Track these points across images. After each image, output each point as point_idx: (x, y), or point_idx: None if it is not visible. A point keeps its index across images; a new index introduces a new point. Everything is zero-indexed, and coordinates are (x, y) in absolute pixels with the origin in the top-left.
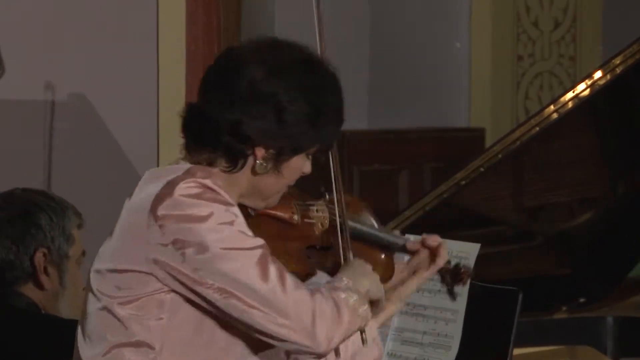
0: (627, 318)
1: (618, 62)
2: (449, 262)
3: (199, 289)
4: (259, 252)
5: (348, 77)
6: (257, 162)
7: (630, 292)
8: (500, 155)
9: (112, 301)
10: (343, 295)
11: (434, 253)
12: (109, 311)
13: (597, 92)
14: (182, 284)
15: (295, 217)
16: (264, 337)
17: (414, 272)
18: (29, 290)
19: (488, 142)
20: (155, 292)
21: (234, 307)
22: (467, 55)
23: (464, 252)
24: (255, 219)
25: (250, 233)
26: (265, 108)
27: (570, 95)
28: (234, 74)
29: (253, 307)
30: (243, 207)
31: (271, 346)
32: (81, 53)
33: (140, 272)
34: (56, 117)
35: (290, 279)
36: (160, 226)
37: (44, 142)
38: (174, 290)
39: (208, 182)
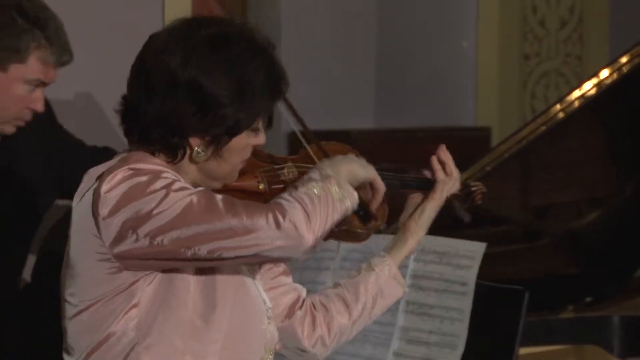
0: (633, 317)
1: (624, 61)
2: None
3: (178, 264)
4: (200, 195)
5: (355, 76)
6: (195, 150)
7: (636, 292)
8: (506, 155)
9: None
10: (303, 190)
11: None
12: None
13: (604, 91)
14: (158, 262)
15: (262, 185)
16: (260, 261)
17: (427, 198)
18: None
19: (494, 141)
20: (122, 284)
21: (212, 252)
22: (473, 55)
23: (470, 251)
24: None
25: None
26: (186, 96)
27: (576, 94)
28: (151, 64)
29: (224, 248)
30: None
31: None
32: (87, 52)
33: (102, 274)
34: (62, 117)
35: (239, 201)
36: (107, 224)
37: None
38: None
39: (141, 165)
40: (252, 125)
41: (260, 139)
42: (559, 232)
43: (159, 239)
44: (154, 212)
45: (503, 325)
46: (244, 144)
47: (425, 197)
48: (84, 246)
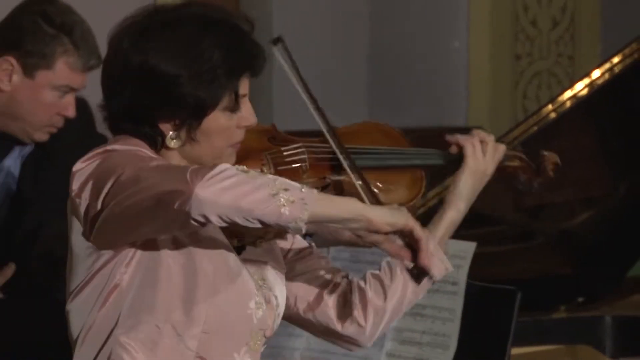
0: (625, 317)
1: (616, 61)
2: (519, 157)
3: (127, 229)
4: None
5: (347, 76)
6: (168, 137)
7: (629, 292)
8: None
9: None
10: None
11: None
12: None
13: (596, 92)
14: (118, 232)
15: (265, 169)
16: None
17: (462, 167)
18: None
19: None
20: (103, 265)
21: (119, 204)
22: (465, 55)
23: (460, 250)
24: None
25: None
26: (140, 82)
27: (568, 94)
28: (108, 55)
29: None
30: None
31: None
32: None
33: (85, 255)
34: None
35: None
36: (79, 203)
37: None
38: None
39: (116, 145)
40: (218, 104)
41: (245, 119)
42: (552, 232)
43: (105, 207)
44: (108, 185)
45: (495, 325)
46: (222, 125)
47: (461, 168)
48: (72, 229)
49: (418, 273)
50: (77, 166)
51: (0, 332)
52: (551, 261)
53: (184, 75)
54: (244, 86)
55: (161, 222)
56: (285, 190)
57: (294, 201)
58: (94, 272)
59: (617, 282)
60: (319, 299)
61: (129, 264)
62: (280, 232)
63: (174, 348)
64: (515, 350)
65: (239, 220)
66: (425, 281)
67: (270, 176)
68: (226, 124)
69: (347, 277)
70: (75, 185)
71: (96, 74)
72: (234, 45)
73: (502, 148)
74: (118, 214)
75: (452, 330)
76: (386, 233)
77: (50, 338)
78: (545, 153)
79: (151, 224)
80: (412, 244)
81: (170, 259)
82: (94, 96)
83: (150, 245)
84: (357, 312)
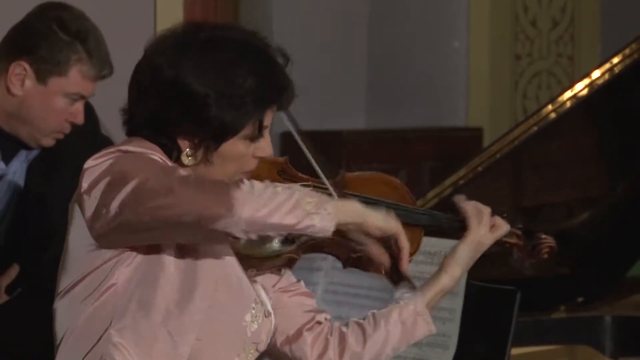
0: (625, 317)
1: (616, 61)
2: (517, 235)
3: (145, 235)
4: (170, 168)
5: (346, 77)
6: (184, 153)
7: (628, 292)
8: (498, 155)
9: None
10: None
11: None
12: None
13: (596, 92)
14: (131, 235)
15: None
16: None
17: (464, 236)
18: None
19: (486, 142)
20: (102, 263)
21: (154, 212)
22: (465, 55)
23: None
24: None
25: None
26: (170, 96)
27: (568, 94)
28: (142, 63)
29: (160, 206)
30: None
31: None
32: None
33: (85, 251)
34: None
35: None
36: (87, 199)
37: None
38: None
39: (129, 146)
40: (241, 131)
41: (262, 150)
42: (551, 232)
43: (124, 210)
44: (127, 188)
45: (495, 325)
46: (239, 152)
47: (463, 237)
48: (73, 225)
49: (398, 279)
50: (89, 163)
51: (0, 332)
52: (551, 261)
53: (213, 96)
54: (268, 118)
55: (197, 236)
56: (309, 202)
57: (318, 212)
58: (91, 270)
59: (617, 282)
60: (298, 333)
61: (129, 265)
62: (272, 266)
63: (168, 353)
64: (515, 350)
65: (273, 234)
66: (404, 340)
67: (294, 187)
68: (243, 152)
69: (328, 319)
70: (85, 182)
71: None
72: (267, 75)
73: (504, 228)
74: (146, 222)
75: (452, 330)
76: (374, 237)
77: (50, 338)
78: (543, 235)
79: (182, 235)
80: (394, 251)
81: (172, 264)
82: (99, 99)
83: (153, 248)
84: (333, 355)
